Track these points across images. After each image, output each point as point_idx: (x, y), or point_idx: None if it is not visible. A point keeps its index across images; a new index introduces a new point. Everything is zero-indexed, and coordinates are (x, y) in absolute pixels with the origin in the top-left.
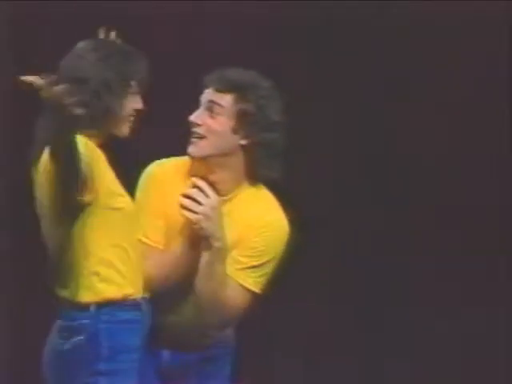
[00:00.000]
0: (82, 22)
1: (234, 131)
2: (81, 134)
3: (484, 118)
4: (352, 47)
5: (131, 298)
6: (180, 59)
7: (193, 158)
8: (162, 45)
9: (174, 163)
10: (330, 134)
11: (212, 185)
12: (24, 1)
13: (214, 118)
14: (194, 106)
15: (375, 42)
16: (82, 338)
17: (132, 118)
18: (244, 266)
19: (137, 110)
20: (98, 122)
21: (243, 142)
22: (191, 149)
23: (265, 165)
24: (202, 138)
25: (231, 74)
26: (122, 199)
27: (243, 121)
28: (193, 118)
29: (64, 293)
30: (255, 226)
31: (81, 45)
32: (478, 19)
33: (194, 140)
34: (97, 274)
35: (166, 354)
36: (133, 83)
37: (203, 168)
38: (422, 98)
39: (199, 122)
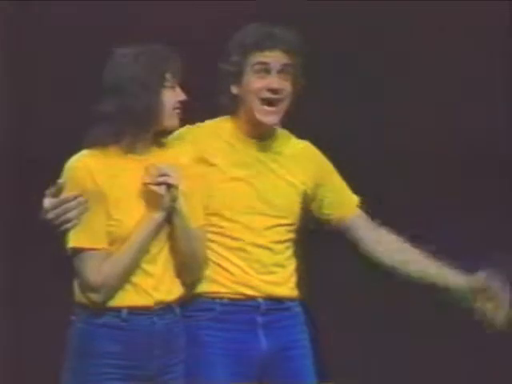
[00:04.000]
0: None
1: (292, 87)
2: (130, 137)
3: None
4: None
5: (112, 305)
6: None
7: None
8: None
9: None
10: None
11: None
12: (24, 1)
13: (287, 80)
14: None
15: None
16: (70, 332)
17: (178, 110)
18: None
19: (181, 102)
20: (142, 121)
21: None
22: (272, 117)
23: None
24: (280, 101)
25: (285, 33)
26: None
27: (294, 76)
28: (276, 85)
29: None
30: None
31: (115, 53)
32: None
33: (273, 104)
34: None
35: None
36: (167, 76)
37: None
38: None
39: (282, 87)
